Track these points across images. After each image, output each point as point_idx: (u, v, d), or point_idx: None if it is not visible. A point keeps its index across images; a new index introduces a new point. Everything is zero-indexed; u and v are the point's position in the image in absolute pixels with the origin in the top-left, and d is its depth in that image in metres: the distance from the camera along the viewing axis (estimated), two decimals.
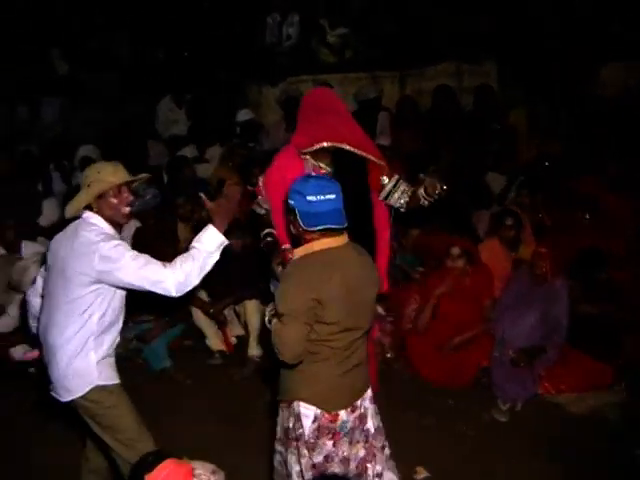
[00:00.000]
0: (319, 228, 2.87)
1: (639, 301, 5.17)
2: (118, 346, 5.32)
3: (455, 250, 5.14)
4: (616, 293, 5.17)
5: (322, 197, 2.87)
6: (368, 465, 3.12)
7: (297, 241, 3.04)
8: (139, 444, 3.41)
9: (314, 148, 3.70)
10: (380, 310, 4.99)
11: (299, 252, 2.97)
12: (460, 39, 8.49)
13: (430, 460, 4.19)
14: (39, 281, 3.58)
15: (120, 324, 3.50)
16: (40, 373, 3.79)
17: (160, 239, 5.85)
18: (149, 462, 2.50)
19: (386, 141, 7.59)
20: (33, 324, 3.68)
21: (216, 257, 3.25)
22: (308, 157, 3.80)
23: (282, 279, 3.05)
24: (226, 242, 3.27)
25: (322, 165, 3.80)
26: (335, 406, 2.99)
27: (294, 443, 3.02)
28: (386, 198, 3.88)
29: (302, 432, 2.98)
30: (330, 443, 2.99)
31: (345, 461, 3.04)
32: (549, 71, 8.26)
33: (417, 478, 4.08)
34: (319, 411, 2.97)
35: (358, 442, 3.08)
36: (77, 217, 3.36)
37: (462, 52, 8.63)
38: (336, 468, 3.00)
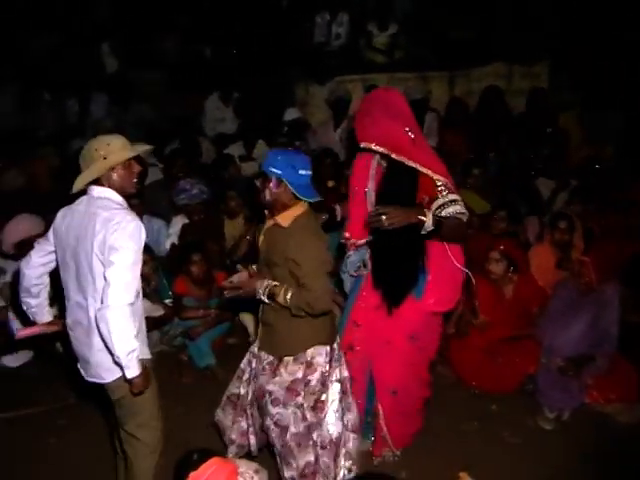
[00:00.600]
0: (314, 200, 3.40)
1: None
2: (163, 342, 5.52)
3: (494, 254, 5.07)
4: None
5: (308, 172, 3.40)
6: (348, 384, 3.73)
7: (271, 206, 3.47)
8: (153, 422, 3.49)
9: (361, 146, 3.69)
10: None
11: (287, 217, 3.40)
12: (512, 40, 8.37)
13: (473, 466, 4.06)
14: (36, 252, 3.52)
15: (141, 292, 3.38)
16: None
17: (206, 235, 5.90)
18: (194, 460, 2.51)
19: (433, 142, 7.56)
20: (26, 298, 3.61)
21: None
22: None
23: (297, 241, 3.35)
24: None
25: (383, 163, 3.78)
26: (334, 339, 3.63)
27: (301, 393, 3.53)
28: (439, 208, 3.56)
29: (314, 376, 3.54)
30: (337, 370, 3.61)
31: (346, 381, 3.69)
32: (602, 75, 8.10)
33: None
34: (328, 347, 3.56)
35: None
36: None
37: (514, 53, 8.50)
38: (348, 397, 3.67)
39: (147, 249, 5.35)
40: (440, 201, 3.53)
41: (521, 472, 4.13)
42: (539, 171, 6.87)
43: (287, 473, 3.63)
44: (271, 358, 3.61)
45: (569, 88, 8.40)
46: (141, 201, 5.81)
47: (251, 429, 3.79)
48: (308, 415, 3.56)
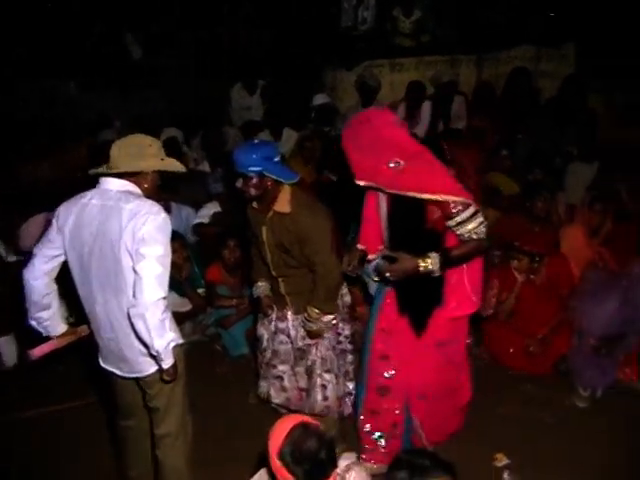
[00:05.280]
0: (296, 180, 3.61)
1: None
2: (197, 332, 5.55)
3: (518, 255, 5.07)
4: None
5: (279, 156, 3.62)
6: None
7: (261, 200, 3.64)
8: (186, 416, 3.50)
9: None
10: None
11: (284, 203, 3.60)
12: (538, 22, 8.31)
13: (509, 447, 4.17)
14: (39, 259, 3.28)
15: None
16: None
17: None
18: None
19: (461, 125, 7.58)
20: (38, 313, 3.36)
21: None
22: None
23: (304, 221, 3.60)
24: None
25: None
26: None
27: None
28: (457, 225, 3.39)
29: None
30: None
31: None
32: (627, 56, 8.02)
33: (497, 465, 4.07)
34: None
35: None
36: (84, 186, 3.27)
37: (540, 35, 8.45)
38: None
39: (178, 236, 5.34)
40: (457, 219, 3.35)
41: (556, 451, 4.15)
42: (570, 155, 6.83)
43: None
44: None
45: (596, 70, 8.32)
46: (171, 190, 5.84)
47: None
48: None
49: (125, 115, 8.46)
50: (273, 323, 4.06)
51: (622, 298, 4.82)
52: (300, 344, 3.95)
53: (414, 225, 3.47)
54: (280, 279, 3.92)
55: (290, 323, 3.97)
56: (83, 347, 3.60)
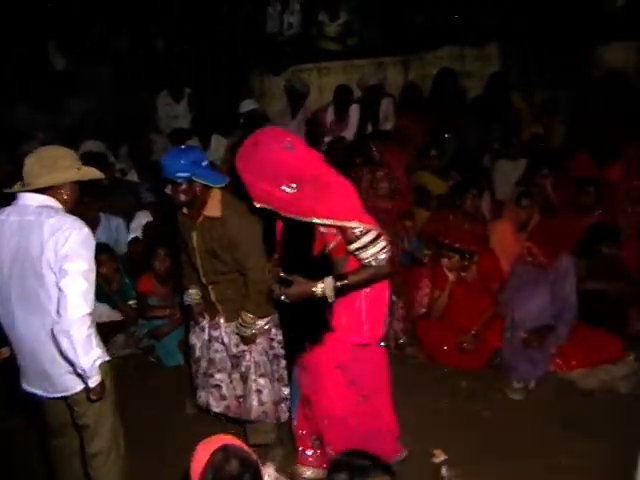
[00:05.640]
0: (224, 183, 3.64)
1: None
2: (130, 344, 5.45)
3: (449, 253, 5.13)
4: (623, 268, 5.27)
5: (207, 160, 3.68)
6: None
7: (191, 205, 3.64)
8: (118, 432, 3.41)
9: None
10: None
11: (214, 207, 3.62)
12: (462, 23, 8.46)
13: (447, 443, 4.19)
14: None
15: None
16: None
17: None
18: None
19: (389, 126, 7.67)
20: None
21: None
22: None
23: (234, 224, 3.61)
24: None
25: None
26: None
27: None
28: (357, 251, 3.22)
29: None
30: None
31: None
32: (548, 53, 8.23)
33: (435, 461, 4.08)
34: None
35: None
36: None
37: (464, 36, 8.60)
38: None
39: (107, 249, 5.38)
40: (356, 244, 3.19)
41: (493, 444, 4.18)
42: (496, 152, 6.97)
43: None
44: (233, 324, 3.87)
45: (519, 69, 8.52)
46: (98, 200, 5.81)
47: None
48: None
49: (49, 127, 8.24)
50: (206, 331, 4.02)
51: (550, 291, 4.94)
52: (234, 351, 3.93)
53: (303, 249, 3.34)
54: (210, 286, 3.89)
55: (223, 330, 3.94)
56: (4, 370, 3.50)
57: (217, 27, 8.96)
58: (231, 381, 4.00)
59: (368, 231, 3.19)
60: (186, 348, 4.63)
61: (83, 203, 5.27)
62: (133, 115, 8.05)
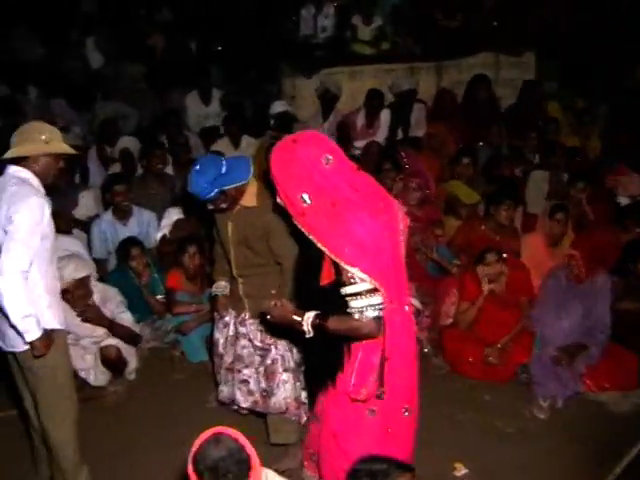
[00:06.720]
0: (251, 175, 3.71)
1: None
2: (155, 338, 5.47)
3: (491, 257, 5.02)
4: None
5: (224, 162, 3.71)
6: None
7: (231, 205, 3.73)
8: (66, 391, 3.59)
9: None
10: (417, 304, 4.92)
11: (250, 197, 3.71)
12: (499, 30, 8.38)
13: (468, 456, 4.15)
14: None
15: None
16: None
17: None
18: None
19: (421, 133, 7.61)
20: None
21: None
22: None
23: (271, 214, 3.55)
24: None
25: None
26: None
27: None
28: (348, 297, 2.88)
29: None
30: None
31: None
32: (588, 65, 8.13)
33: (456, 474, 4.04)
34: None
35: None
36: None
37: (501, 43, 8.50)
38: None
39: (137, 243, 5.51)
40: (347, 289, 2.87)
41: (515, 461, 4.13)
42: (531, 163, 6.86)
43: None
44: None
45: (556, 77, 8.42)
46: (130, 191, 5.93)
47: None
48: None
49: (85, 122, 8.34)
50: (231, 327, 4.07)
51: (583, 309, 4.84)
52: (260, 345, 3.96)
53: (310, 262, 3.10)
54: (240, 279, 3.95)
55: (249, 327, 3.97)
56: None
57: (250, 29, 8.96)
58: (257, 376, 4.03)
59: (363, 281, 2.85)
60: (210, 345, 4.67)
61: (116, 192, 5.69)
62: (168, 112, 8.06)
